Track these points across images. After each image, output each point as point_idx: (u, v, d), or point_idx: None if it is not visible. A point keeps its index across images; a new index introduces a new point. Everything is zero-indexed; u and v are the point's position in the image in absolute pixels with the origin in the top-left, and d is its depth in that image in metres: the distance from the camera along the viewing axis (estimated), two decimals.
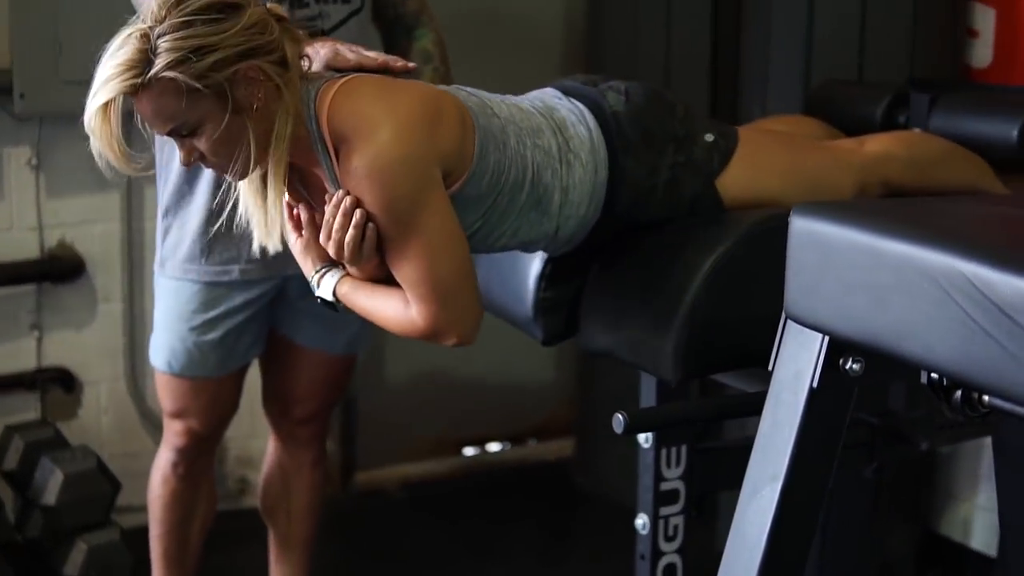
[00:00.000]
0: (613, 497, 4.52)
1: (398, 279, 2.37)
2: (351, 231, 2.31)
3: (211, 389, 3.23)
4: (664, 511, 2.87)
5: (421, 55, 3.17)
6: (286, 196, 2.44)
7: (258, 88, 2.28)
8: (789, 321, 2.09)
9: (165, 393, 3.27)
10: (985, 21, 3.87)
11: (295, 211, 2.46)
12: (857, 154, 2.76)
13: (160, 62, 2.21)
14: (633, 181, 2.57)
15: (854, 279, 1.90)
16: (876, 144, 2.81)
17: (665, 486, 2.85)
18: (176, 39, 2.21)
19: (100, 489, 3.91)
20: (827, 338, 2.04)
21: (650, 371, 2.51)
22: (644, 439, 2.77)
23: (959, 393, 1.95)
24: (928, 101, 3.05)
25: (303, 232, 2.46)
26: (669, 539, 2.89)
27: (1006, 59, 3.85)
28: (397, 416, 4.80)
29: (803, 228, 1.98)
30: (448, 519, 4.60)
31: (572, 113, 2.58)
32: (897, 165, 2.77)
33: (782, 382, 2.11)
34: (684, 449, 2.85)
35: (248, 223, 2.47)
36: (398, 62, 2.58)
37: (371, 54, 2.60)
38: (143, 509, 4.18)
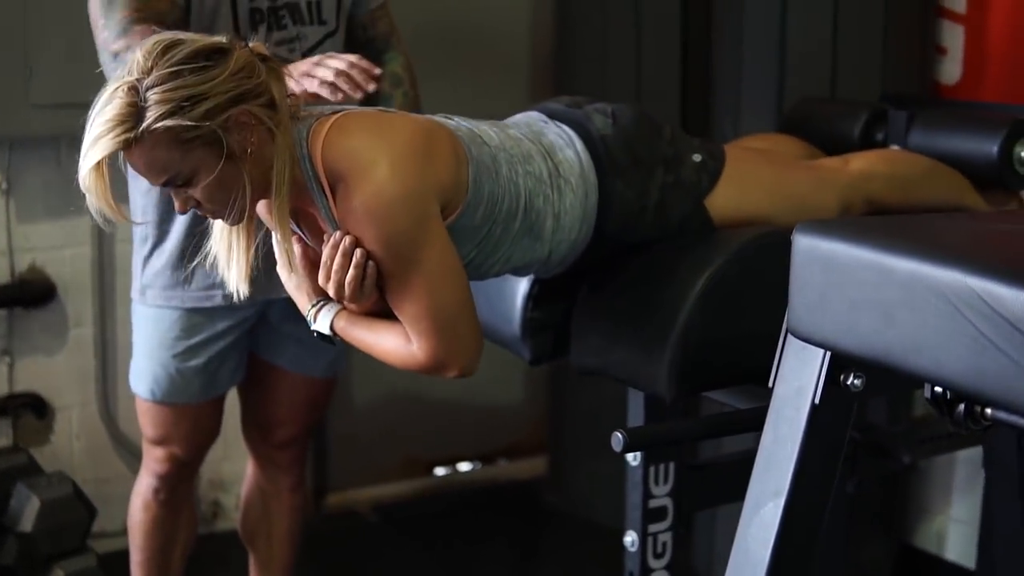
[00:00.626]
0: (585, 515, 4.54)
1: (398, 314, 2.36)
2: (351, 271, 2.30)
3: (193, 415, 3.22)
4: (652, 528, 2.88)
5: (391, 78, 3.18)
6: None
7: (250, 132, 2.26)
8: (790, 337, 2.10)
9: (147, 420, 3.24)
10: (953, 38, 3.91)
11: (283, 250, 2.43)
12: (842, 172, 2.79)
13: (151, 115, 2.18)
14: (623, 203, 2.58)
15: (861, 296, 1.91)
16: (859, 162, 2.84)
17: (653, 503, 2.86)
18: (165, 90, 2.19)
19: (77, 515, 3.87)
20: (829, 354, 2.06)
21: (645, 389, 2.52)
22: (632, 457, 2.78)
23: (962, 406, 1.97)
24: (906, 118, 3.08)
25: (297, 266, 2.45)
26: (658, 556, 2.90)
27: (975, 75, 3.89)
28: (367, 437, 4.78)
29: (807, 245, 1.99)
30: (420, 539, 4.59)
31: (560, 137, 2.59)
32: (880, 183, 2.80)
33: (783, 398, 2.13)
34: (672, 466, 2.86)
35: (216, 261, 2.46)
36: (363, 63, 2.66)
37: (343, 59, 2.65)
38: (117, 534, 4.18)
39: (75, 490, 3.89)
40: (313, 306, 2.46)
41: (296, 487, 3.47)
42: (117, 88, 2.21)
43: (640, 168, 2.60)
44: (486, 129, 2.51)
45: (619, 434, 2.35)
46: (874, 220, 2.14)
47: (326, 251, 2.33)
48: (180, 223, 3.03)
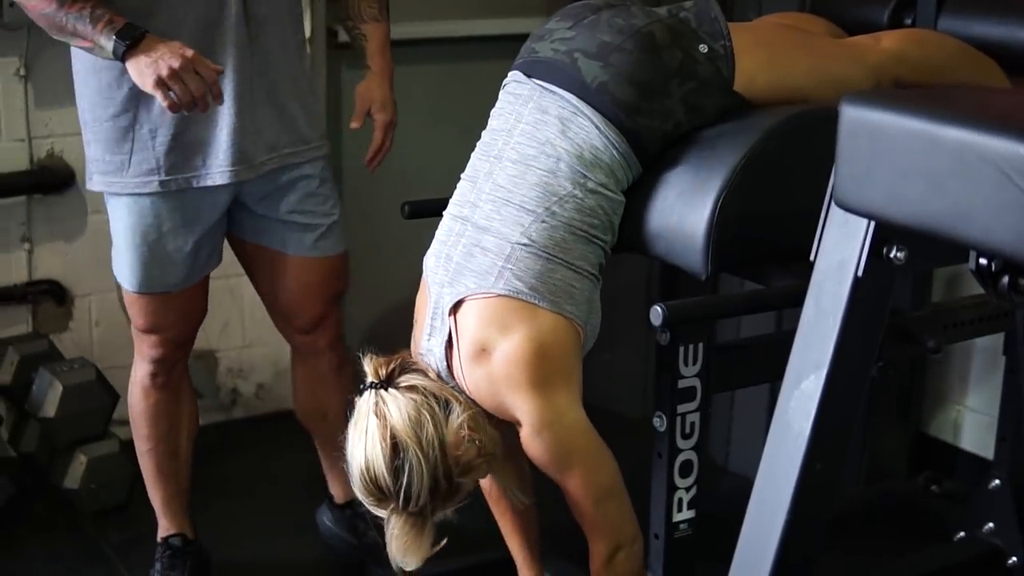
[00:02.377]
0: (603, 404, 4.54)
1: (572, 506, 2.68)
2: None
3: (178, 301, 3.22)
4: (681, 408, 2.88)
5: None
6: None
7: (469, 435, 2.56)
8: (833, 209, 2.10)
9: (135, 310, 3.24)
10: None
11: None
12: (874, 51, 2.78)
13: (429, 512, 2.55)
14: (652, 133, 2.60)
15: (909, 165, 1.91)
16: (891, 41, 2.83)
17: (682, 383, 2.86)
18: (415, 501, 2.50)
19: (99, 401, 3.90)
20: (873, 225, 2.06)
21: (681, 265, 2.52)
22: (663, 336, 2.78)
23: (1006, 278, 1.97)
24: (935, 3, 3.06)
25: None
26: (686, 436, 2.90)
27: None
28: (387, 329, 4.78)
29: (855, 116, 1.99)
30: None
31: (564, 108, 2.59)
32: (911, 65, 2.80)
33: (825, 271, 2.13)
34: (701, 347, 2.86)
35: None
36: (202, 65, 2.76)
37: (178, 54, 2.73)
38: None
39: (97, 375, 3.91)
40: None
41: (339, 367, 3.47)
42: (390, 522, 2.58)
43: (653, 94, 2.59)
44: (508, 220, 2.59)
45: (659, 307, 2.36)
46: (921, 91, 2.14)
47: None
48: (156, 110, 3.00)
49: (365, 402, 2.53)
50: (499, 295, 2.54)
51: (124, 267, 3.17)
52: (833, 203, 2.08)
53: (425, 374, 2.60)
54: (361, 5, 3.27)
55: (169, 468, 3.43)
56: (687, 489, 2.94)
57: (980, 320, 3.17)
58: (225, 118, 3.01)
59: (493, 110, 2.73)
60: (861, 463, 3.94)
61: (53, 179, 4.05)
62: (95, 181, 3.13)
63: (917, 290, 3.38)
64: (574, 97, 2.58)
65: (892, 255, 2.07)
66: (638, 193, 2.60)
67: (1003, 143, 1.79)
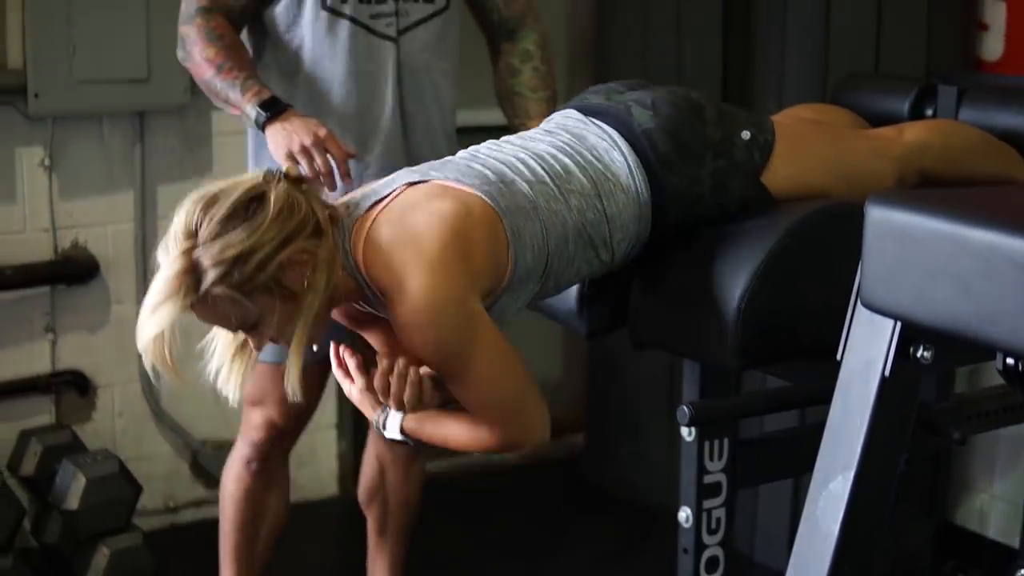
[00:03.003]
0: (626, 493, 4.55)
1: (464, 406, 2.41)
2: (408, 389, 2.35)
3: None
4: (707, 504, 2.87)
5: (521, 55, 3.28)
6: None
7: (304, 268, 2.30)
8: (860, 309, 2.09)
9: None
10: (995, 14, 3.91)
11: (342, 357, 2.46)
12: (896, 143, 2.79)
13: (207, 280, 2.23)
14: (677, 195, 2.58)
15: (936, 266, 1.91)
16: (914, 133, 2.84)
17: (708, 479, 2.85)
18: (215, 254, 2.23)
19: (122, 493, 3.89)
20: (899, 326, 2.05)
21: (708, 361, 2.52)
22: (687, 432, 2.78)
23: None
24: (956, 93, 3.07)
25: (356, 380, 2.46)
26: (712, 532, 2.89)
27: (1017, 51, 3.88)
28: None
29: (881, 217, 1.99)
30: (460, 516, 4.59)
31: (602, 139, 2.59)
32: (934, 154, 2.80)
33: (852, 370, 2.12)
34: (726, 442, 2.85)
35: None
36: (333, 144, 2.86)
37: (311, 131, 2.83)
38: (161, 512, 4.22)
39: (120, 467, 3.90)
40: (379, 415, 2.49)
41: (412, 457, 3.51)
42: (169, 257, 2.25)
43: (688, 157, 2.59)
44: (518, 163, 2.51)
45: (685, 408, 2.36)
46: (947, 192, 2.13)
47: (378, 374, 2.38)
48: None
49: (263, 171, 2.36)
50: (469, 189, 2.41)
51: None
52: (859, 303, 2.07)
53: (326, 205, 2.38)
54: (529, 104, 3.30)
55: (244, 553, 3.43)
56: None
57: (1005, 410, 3.16)
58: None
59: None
60: (887, 553, 3.91)
61: (77, 269, 4.07)
62: None
63: (941, 381, 3.36)
64: (616, 133, 2.59)
65: (919, 355, 2.07)
66: (662, 290, 2.60)
67: None
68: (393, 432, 2.48)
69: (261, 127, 2.97)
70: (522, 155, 2.53)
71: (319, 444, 3.84)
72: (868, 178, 2.67)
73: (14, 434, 3.99)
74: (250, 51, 3.14)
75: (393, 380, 2.36)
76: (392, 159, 3.11)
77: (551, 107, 3.25)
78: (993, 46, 3.93)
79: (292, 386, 2.36)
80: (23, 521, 3.85)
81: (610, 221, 2.52)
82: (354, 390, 2.48)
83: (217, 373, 2.43)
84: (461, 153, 2.59)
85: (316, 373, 3.24)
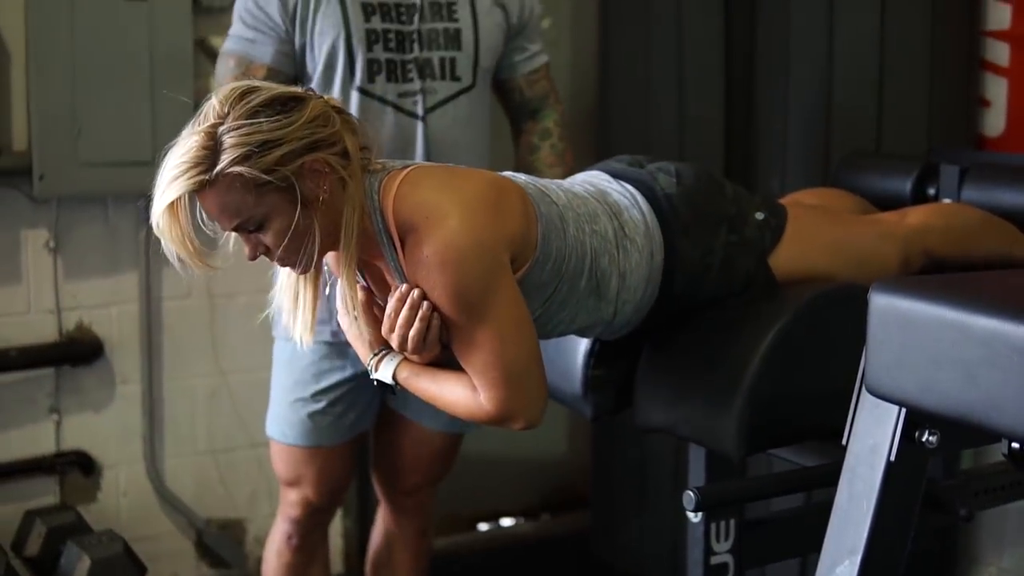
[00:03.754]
0: (633, 570, 4.52)
1: (465, 365, 2.36)
2: (417, 324, 2.31)
3: (324, 459, 3.28)
4: None
5: (541, 133, 3.36)
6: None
7: (323, 180, 2.27)
8: (864, 395, 2.10)
9: (279, 461, 3.33)
10: (997, 90, 3.93)
11: (345, 297, 2.42)
12: (900, 226, 2.81)
13: (226, 158, 2.20)
14: (688, 262, 2.59)
15: (940, 353, 1.91)
16: (917, 216, 2.86)
17: (714, 560, 2.85)
18: (241, 135, 2.20)
19: (127, 574, 3.86)
20: (904, 411, 2.06)
21: (713, 447, 2.52)
22: (694, 515, 2.78)
23: None
24: (959, 173, 3.09)
25: (359, 313, 2.43)
26: None
27: (1019, 128, 3.90)
28: None
29: (884, 304, 2.00)
30: None
31: (624, 197, 2.60)
32: (938, 236, 2.81)
33: (858, 455, 2.13)
34: (732, 523, 2.85)
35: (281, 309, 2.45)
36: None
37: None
38: None
39: (125, 548, 3.88)
40: (375, 355, 2.46)
41: (421, 533, 3.55)
42: (194, 132, 2.23)
43: (704, 226, 2.61)
44: (553, 188, 2.52)
45: (691, 493, 2.36)
46: (950, 277, 2.14)
47: (391, 303, 2.34)
48: None
49: (306, 89, 2.34)
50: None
51: (277, 418, 3.30)
52: (864, 389, 2.08)
53: (363, 145, 2.36)
54: (540, 156, 3.36)
55: None
56: None
57: (1012, 486, 3.15)
58: None
59: None
60: None
61: (81, 350, 4.06)
62: (276, 326, 3.25)
63: (947, 458, 3.36)
64: (639, 193, 2.61)
65: (925, 439, 2.08)
66: (665, 376, 2.61)
67: None
68: (385, 375, 2.44)
69: None
70: (556, 185, 2.55)
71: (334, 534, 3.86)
72: (872, 261, 2.68)
73: (19, 515, 3.97)
74: None
75: (404, 310, 2.31)
76: None
77: (565, 156, 3.37)
78: (995, 122, 3.95)
79: (353, 307, 2.37)
80: None
81: (621, 276, 2.53)
82: (354, 325, 2.44)
83: (288, 327, 2.45)
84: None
85: (350, 450, 3.32)
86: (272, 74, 3.10)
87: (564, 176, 3.24)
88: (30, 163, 3.85)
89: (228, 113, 2.23)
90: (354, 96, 3.12)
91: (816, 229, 2.75)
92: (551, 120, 3.38)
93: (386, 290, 2.41)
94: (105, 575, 3.80)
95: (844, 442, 2.15)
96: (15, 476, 4.03)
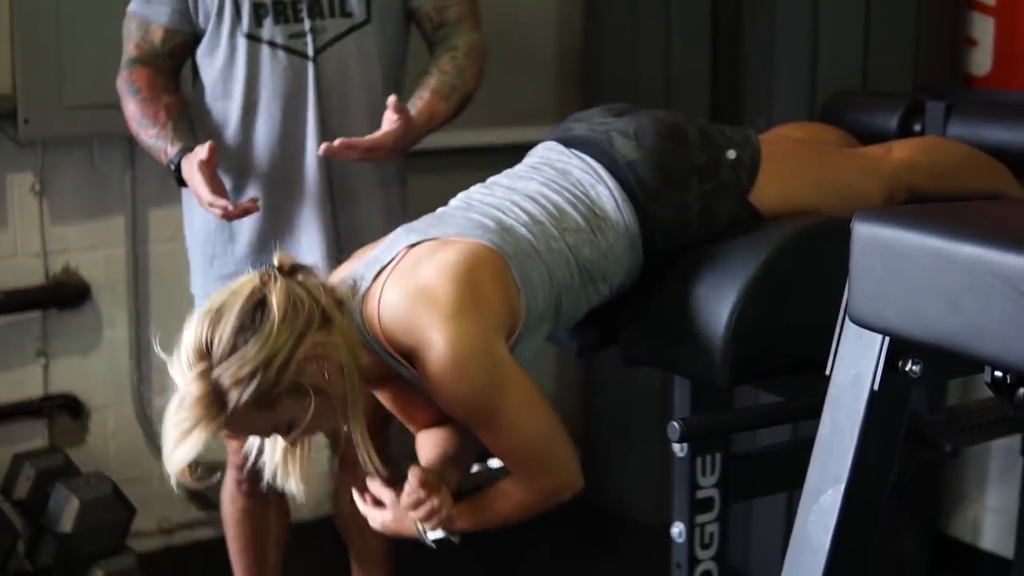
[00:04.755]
0: (620, 511, 4.54)
1: (501, 460, 2.43)
2: (436, 516, 2.38)
3: None
4: (700, 519, 2.88)
5: (446, 48, 3.21)
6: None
7: (322, 362, 2.28)
8: (848, 324, 2.10)
9: None
10: (984, 30, 3.92)
11: (366, 496, 2.49)
12: (885, 161, 2.80)
13: (232, 397, 2.20)
14: (665, 223, 2.61)
15: (923, 282, 1.91)
16: (902, 151, 2.85)
17: (700, 494, 2.87)
18: (234, 371, 2.20)
19: (116, 515, 3.89)
20: (888, 340, 2.06)
21: (699, 378, 2.53)
22: (679, 448, 2.79)
23: (1022, 390, 1.98)
24: (944, 109, 3.09)
25: (386, 510, 2.47)
26: (705, 547, 2.91)
27: (1005, 67, 3.90)
28: (397, 435, 4.78)
29: (867, 233, 2.00)
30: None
31: (587, 173, 2.60)
32: (923, 172, 2.81)
33: (841, 385, 2.13)
34: (718, 457, 2.87)
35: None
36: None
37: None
38: (155, 534, 4.22)
39: (114, 490, 3.90)
40: (418, 524, 2.45)
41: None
42: (186, 383, 2.22)
43: (674, 185, 2.61)
44: (512, 206, 2.52)
45: (675, 424, 2.37)
46: (934, 207, 2.14)
47: (406, 495, 2.39)
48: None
49: (256, 272, 2.31)
50: (472, 239, 2.41)
51: None
52: (848, 318, 2.08)
53: (330, 288, 2.36)
54: (431, 79, 3.19)
55: (255, 572, 3.45)
56: None
57: (997, 422, 3.17)
58: (313, 226, 3.10)
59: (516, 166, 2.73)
60: (882, 565, 3.92)
61: (68, 294, 4.07)
62: (192, 283, 3.26)
63: (933, 393, 3.38)
64: (600, 167, 2.60)
65: (908, 369, 2.08)
66: (653, 308, 2.61)
67: (1017, 260, 1.79)
68: (437, 534, 2.47)
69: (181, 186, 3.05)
70: (515, 197, 2.54)
71: (312, 465, 3.81)
72: (856, 196, 2.68)
73: (7, 458, 3.99)
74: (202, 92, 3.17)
75: (422, 507, 2.38)
76: (319, 177, 3.12)
77: (456, 96, 3.18)
78: (981, 61, 3.95)
79: (374, 466, 2.38)
80: (17, 545, 3.85)
81: (605, 256, 2.54)
82: (386, 518, 2.48)
83: (274, 476, 2.45)
84: (454, 203, 2.60)
85: None
86: (169, 35, 3.11)
87: (456, 89, 3.17)
88: (15, 106, 3.85)
89: (209, 351, 2.22)
90: (241, 43, 3.07)
91: (801, 164, 2.75)
92: (461, 40, 3.21)
93: (409, 404, 2.53)
94: (94, 516, 3.82)
95: (828, 372, 2.15)
96: (3, 420, 4.04)
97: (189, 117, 3.13)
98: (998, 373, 1.98)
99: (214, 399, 2.20)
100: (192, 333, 2.24)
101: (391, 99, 2.92)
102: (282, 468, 2.43)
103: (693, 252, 2.62)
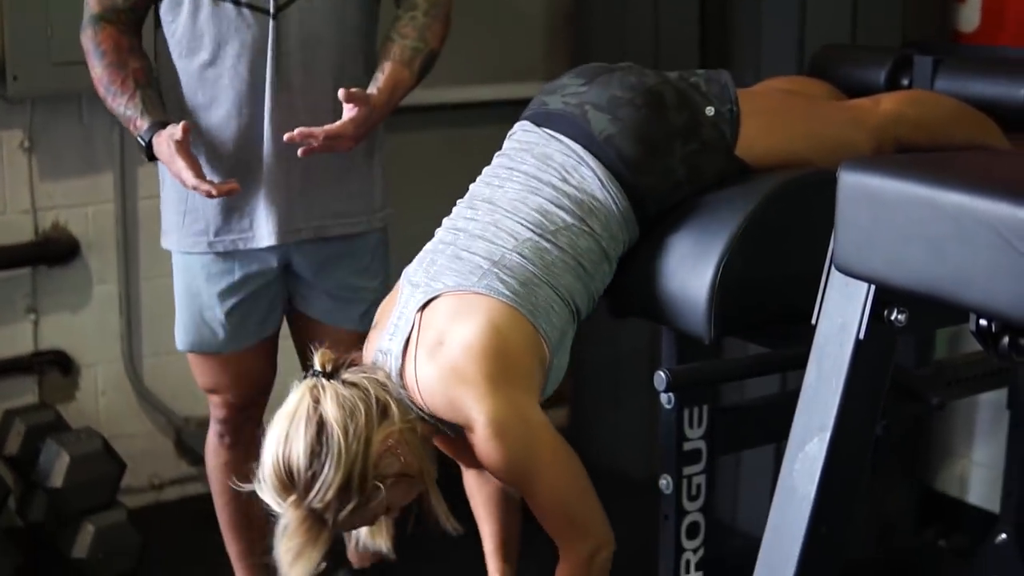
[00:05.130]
0: (608, 465, 4.55)
1: (545, 524, 2.51)
2: None
3: (232, 364, 3.24)
4: (687, 471, 2.89)
5: (406, 6, 3.10)
6: None
7: (393, 449, 2.40)
8: (834, 273, 2.11)
9: (195, 370, 3.29)
10: None
11: None
12: (873, 113, 2.80)
13: (330, 519, 2.36)
14: (654, 191, 2.61)
15: (909, 230, 1.93)
16: (890, 103, 2.85)
17: (687, 446, 2.88)
18: (324, 494, 2.34)
19: (106, 470, 3.91)
20: (873, 289, 2.07)
21: (685, 331, 2.53)
22: (667, 399, 2.80)
23: (1006, 339, 1.99)
24: (932, 64, 3.09)
25: None
26: (692, 498, 2.91)
27: (993, 23, 3.91)
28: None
29: (854, 182, 2.01)
30: (444, 491, 4.59)
31: (568, 156, 2.60)
32: (910, 124, 2.82)
33: (827, 334, 2.14)
34: (705, 409, 2.88)
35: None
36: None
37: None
38: (145, 490, 4.23)
39: (104, 445, 3.92)
40: None
41: None
42: (285, 512, 2.38)
43: (656, 153, 2.61)
44: (499, 231, 2.54)
45: (662, 373, 2.38)
46: (919, 156, 2.16)
47: None
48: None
49: (303, 386, 2.42)
50: (475, 292, 2.47)
51: (178, 326, 3.24)
52: (833, 267, 2.09)
53: (372, 376, 2.46)
54: (393, 47, 3.06)
55: (241, 524, 3.45)
56: (694, 551, 2.95)
57: (983, 376, 3.19)
58: (275, 184, 3.07)
59: (497, 153, 2.74)
60: (868, 519, 3.94)
61: (58, 250, 4.07)
62: (163, 240, 3.23)
63: (920, 347, 3.39)
64: (580, 147, 2.59)
65: (893, 318, 2.09)
66: (640, 258, 2.61)
67: (1002, 207, 1.80)
68: None
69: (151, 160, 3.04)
70: (498, 216, 2.56)
71: None
72: (844, 148, 2.67)
73: None
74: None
75: None
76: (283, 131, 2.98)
77: (419, 59, 3.06)
78: (970, 17, 3.95)
79: (452, 524, 2.53)
80: (8, 500, 3.87)
81: (601, 238, 2.56)
82: None
83: (358, 541, 2.60)
84: (443, 234, 2.63)
85: (265, 350, 3.27)
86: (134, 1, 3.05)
87: (418, 52, 3.06)
88: (3, 63, 3.85)
89: (292, 484, 2.36)
90: (205, 5, 2.99)
91: (789, 117, 2.75)
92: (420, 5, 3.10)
93: (459, 447, 2.60)
94: (84, 472, 3.84)
95: (813, 322, 2.17)
96: None
97: (157, 81, 3.09)
98: (983, 321, 1.99)
99: (314, 522, 2.36)
100: (269, 466, 2.39)
101: (341, 92, 2.86)
102: (374, 532, 2.58)
103: (681, 207, 2.62)
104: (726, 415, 2.91)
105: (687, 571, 2.96)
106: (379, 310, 2.63)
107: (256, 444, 3.38)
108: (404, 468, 2.41)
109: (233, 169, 3.04)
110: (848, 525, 2.21)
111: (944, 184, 1.89)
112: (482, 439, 2.40)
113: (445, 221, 2.67)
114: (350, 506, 2.35)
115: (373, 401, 2.39)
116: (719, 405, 2.93)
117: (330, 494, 2.33)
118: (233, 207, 3.08)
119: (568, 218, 2.54)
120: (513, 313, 2.45)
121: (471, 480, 2.87)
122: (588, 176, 2.57)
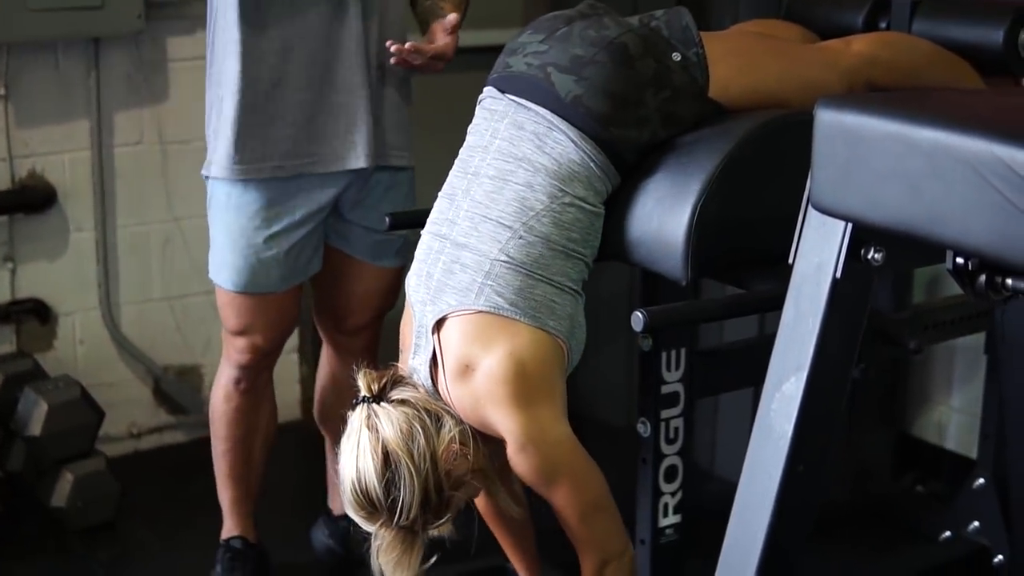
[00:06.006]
0: (588, 413, 4.56)
1: (563, 525, 2.64)
2: None
3: (275, 304, 3.25)
4: (665, 414, 2.90)
5: None
6: None
7: (459, 451, 2.56)
8: (811, 212, 2.12)
9: (229, 311, 3.27)
10: None
11: None
12: (845, 55, 2.79)
13: (421, 531, 2.54)
14: (628, 143, 2.61)
15: (885, 167, 1.93)
16: (862, 45, 2.84)
17: (665, 389, 2.89)
18: (405, 515, 2.49)
19: (85, 419, 3.90)
20: (850, 227, 2.07)
21: (662, 272, 2.53)
22: (646, 343, 2.80)
23: (983, 277, 1.99)
24: (910, 6, 3.08)
25: None
26: (670, 442, 2.93)
27: None
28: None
29: (830, 120, 2.01)
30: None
31: (539, 124, 2.60)
32: (883, 65, 2.80)
33: (804, 273, 2.15)
34: (683, 352, 2.88)
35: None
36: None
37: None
38: (123, 438, 4.23)
39: (82, 393, 3.91)
40: None
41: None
42: (376, 531, 2.55)
43: (627, 104, 2.60)
44: (483, 235, 2.58)
45: (639, 313, 2.37)
46: (896, 94, 2.15)
47: None
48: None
49: (357, 416, 2.53)
50: (480, 311, 2.54)
51: (224, 265, 3.21)
52: (810, 206, 2.09)
53: (416, 388, 2.60)
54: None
55: (241, 471, 3.48)
56: (672, 494, 2.97)
57: (961, 320, 3.20)
58: (357, 108, 3.12)
59: (470, 127, 2.73)
60: (846, 465, 3.96)
61: (35, 198, 4.05)
62: (212, 168, 3.17)
63: (898, 292, 3.40)
64: (549, 112, 2.58)
65: (870, 256, 2.10)
66: (617, 200, 2.61)
67: (978, 144, 1.81)
68: None
69: None
70: (478, 218, 2.59)
71: (281, 369, 3.82)
72: (816, 90, 2.64)
73: None
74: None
75: None
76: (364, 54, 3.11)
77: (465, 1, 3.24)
78: None
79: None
80: None
81: (584, 200, 2.57)
82: None
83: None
84: (429, 242, 2.67)
85: (292, 297, 3.28)
86: None
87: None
88: None
89: (376, 510, 2.51)
90: None
91: (762, 58, 2.74)
92: None
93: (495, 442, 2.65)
94: (62, 419, 3.83)
95: (791, 261, 2.17)
96: None
97: None
98: (960, 260, 1.99)
99: (406, 535, 2.53)
100: (349, 495, 2.52)
101: (447, 19, 3.09)
102: (391, 567, 2.64)
103: (659, 148, 2.61)
104: (704, 358, 2.92)
105: (665, 514, 2.98)
106: (401, 332, 2.73)
107: (270, 391, 3.42)
108: (471, 465, 2.57)
109: (317, 94, 3.09)
110: (825, 466, 2.22)
111: (920, 121, 1.89)
112: (512, 452, 2.54)
113: (429, 223, 2.70)
114: (435, 514, 2.52)
115: (426, 415, 2.53)
116: (697, 348, 2.93)
117: (413, 512, 2.48)
118: (299, 133, 3.12)
119: (546, 199, 2.55)
120: (522, 329, 2.53)
121: (486, 514, 2.98)
122: (562, 139, 2.57)
